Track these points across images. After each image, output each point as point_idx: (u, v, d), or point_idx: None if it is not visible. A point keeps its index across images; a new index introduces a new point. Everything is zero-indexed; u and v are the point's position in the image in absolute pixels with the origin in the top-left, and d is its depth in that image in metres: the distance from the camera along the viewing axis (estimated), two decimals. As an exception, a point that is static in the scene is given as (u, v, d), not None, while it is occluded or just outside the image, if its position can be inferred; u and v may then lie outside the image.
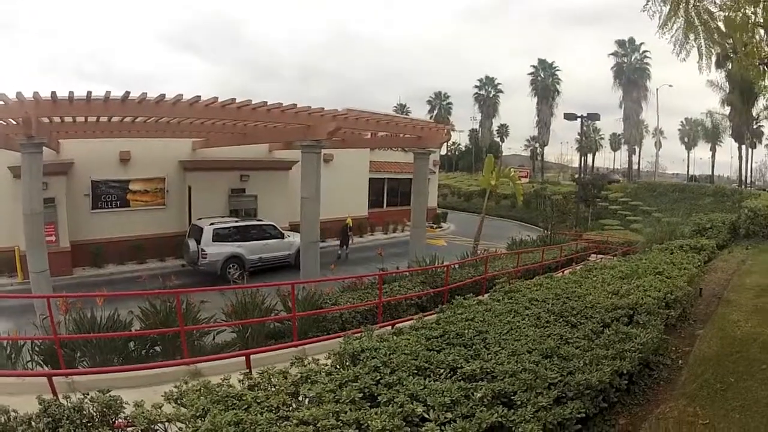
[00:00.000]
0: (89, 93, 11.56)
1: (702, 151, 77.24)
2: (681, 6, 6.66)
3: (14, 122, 12.08)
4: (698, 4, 6.65)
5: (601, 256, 21.41)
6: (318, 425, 3.12)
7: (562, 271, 14.77)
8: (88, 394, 3.76)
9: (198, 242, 18.35)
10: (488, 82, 75.83)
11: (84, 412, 3.60)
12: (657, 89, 56.30)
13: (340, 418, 3.18)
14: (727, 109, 51.02)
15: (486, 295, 9.39)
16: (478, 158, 71.93)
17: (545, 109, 66.09)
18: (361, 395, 3.55)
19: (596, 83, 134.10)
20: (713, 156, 67.38)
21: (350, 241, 25.10)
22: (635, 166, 66.91)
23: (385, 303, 10.48)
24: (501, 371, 4.07)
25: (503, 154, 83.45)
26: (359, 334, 5.04)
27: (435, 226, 34.65)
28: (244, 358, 6.15)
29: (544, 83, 66.14)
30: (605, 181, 47.24)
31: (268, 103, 13.78)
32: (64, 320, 8.08)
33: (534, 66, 67.08)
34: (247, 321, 8.76)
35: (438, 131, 20.60)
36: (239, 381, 4.11)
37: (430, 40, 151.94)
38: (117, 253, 19.51)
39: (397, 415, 3.21)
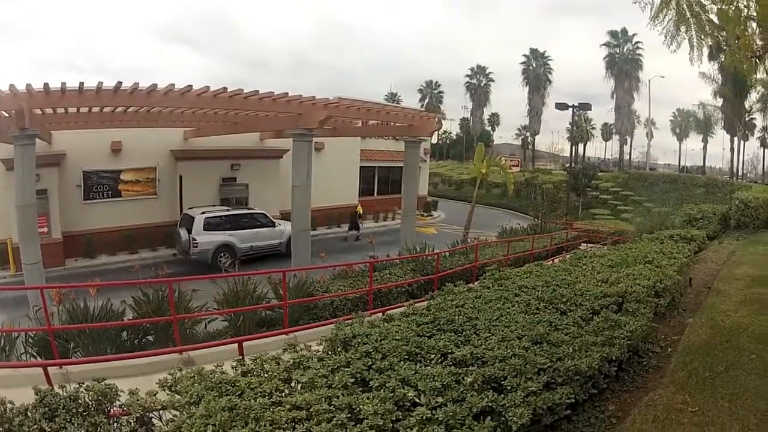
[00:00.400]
0: (81, 84, 11.54)
1: (694, 142, 77.73)
2: (672, -2, 6.67)
3: (6, 114, 12.00)
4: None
5: (592, 245, 21.52)
6: (311, 410, 3.16)
7: (552, 260, 14.85)
8: (83, 383, 3.79)
9: (189, 231, 18.33)
10: (480, 71, 75.55)
11: (80, 401, 3.63)
12: (649, 80, 56.40)
13: (333, 402, 3.22)
14: (720, 101, 51.04)
15: (476, 283, 9.44)
16: (469, 147, 71.77)
17: (537, 98, 66.00)
18: (353, 380, 3.60)
19: (588, 73, 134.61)
20: (705, 147, 67.86)
21: (360, 227, 26.01)
22: (626, 157, 67.17)
23: (376, 290, 10.56)
24: (491, 357, 4.11)
25: (494, 143, 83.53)
26: (350, 321, 5.08)
27: (425, 214, 34.74)
28: (236, 345, 6.20)
29: (536, 73, 66.01)
30: (596, 171, 47.41)
31: (260, 92, 13.74)
32: (57, 311, 8.09)
33: (526, 55, 66.97)
34: (238, 309, 8.80)
35: (429, 120, 20.56)
36: (232, 368, 4.15)
37: (422, 29, 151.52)
38: (109, 243, 19.43)
39: (388, 400, 3.25)
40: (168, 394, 3.77)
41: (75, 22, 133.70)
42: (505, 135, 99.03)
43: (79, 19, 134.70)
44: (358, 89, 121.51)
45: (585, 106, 46.03)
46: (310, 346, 4.50)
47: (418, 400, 3.35)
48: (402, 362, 3.91)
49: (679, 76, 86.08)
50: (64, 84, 11.32)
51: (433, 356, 4.16)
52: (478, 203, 28.94)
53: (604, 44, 59.91)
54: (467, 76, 76.25)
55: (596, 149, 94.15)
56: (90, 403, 3.66)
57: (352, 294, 10.30)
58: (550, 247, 19.58)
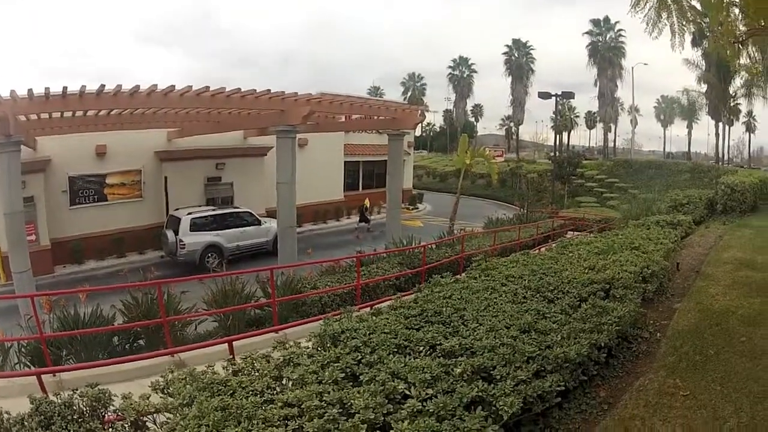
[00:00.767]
0: (65, 88, 11.49)
1: (678, 128, 78.05)
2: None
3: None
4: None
5: (578, 233, 21.65)
6: (302, 406, 3.18)
7: (539, 249, 14.94)
8: (77, 390, 3.79)
9: (176, 233, 18.26)
10: (462, 63, 75.52)
11: (74, 408, 3.65)
12: (632, 67, 56.62)
13: (324, 398, 3.25)
14: (704, 87, 51.37)
15: (463, 274, 9.50)
16: (453, 138, 71.84)
17: (520, 88, 65.94)
18: (343, 375, 3.62)
19: (571, 62, 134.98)
20: (690, 133, 67.99)
21: (369, 220, 26.23)
22: (611, 144, 67.53)
23: (364, 285, 10.56)
24: (480, 347, 4.14)
25: (478, 133, 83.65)
26: (339, 316, 5.10)
27: (411, 207, 34.76)
28: (227, 345, 6.18)
29: (519, 63, 65.92)
30: (581, 159, 47.64)
31: (242, 90, 13.71)
32: (48, 319, 8.04)
33: (508, 46, 66.80)
34: (227, 309, 8.80)
35: (412, 112, 20.57)
36: (223, 368, 4.16)
37: (405, 21, 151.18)
38: (97, 248, 19.26)
39: (379, 393, 3.28)
40: (161, 397, 3.79)
41: (54, 24, 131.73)
42: (488, 126, 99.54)
43: (61, 24, 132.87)
44: (341, 84, 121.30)
45: (568, 95, 46.30)
46: (300, 343, 4.51)
47: (408, 393, 3.38)
48: (391, 355, 3.94)
49: (664, 63, 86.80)
50: (47, 89, 11.26)
51: (421, 348, 4.18)
52: (464, 194, 29.06)
53: (586, 32, 60.14)
54: (450, 67, 76.32)
55: (581, 137, 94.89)
56: (85, 409, 3.68)
57: (341, 289, 10.31)
58: (537, 236, 19.71)
